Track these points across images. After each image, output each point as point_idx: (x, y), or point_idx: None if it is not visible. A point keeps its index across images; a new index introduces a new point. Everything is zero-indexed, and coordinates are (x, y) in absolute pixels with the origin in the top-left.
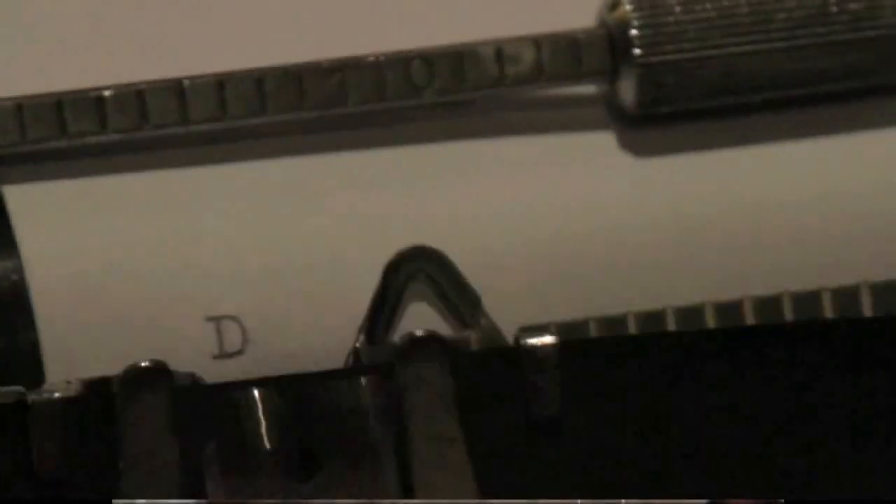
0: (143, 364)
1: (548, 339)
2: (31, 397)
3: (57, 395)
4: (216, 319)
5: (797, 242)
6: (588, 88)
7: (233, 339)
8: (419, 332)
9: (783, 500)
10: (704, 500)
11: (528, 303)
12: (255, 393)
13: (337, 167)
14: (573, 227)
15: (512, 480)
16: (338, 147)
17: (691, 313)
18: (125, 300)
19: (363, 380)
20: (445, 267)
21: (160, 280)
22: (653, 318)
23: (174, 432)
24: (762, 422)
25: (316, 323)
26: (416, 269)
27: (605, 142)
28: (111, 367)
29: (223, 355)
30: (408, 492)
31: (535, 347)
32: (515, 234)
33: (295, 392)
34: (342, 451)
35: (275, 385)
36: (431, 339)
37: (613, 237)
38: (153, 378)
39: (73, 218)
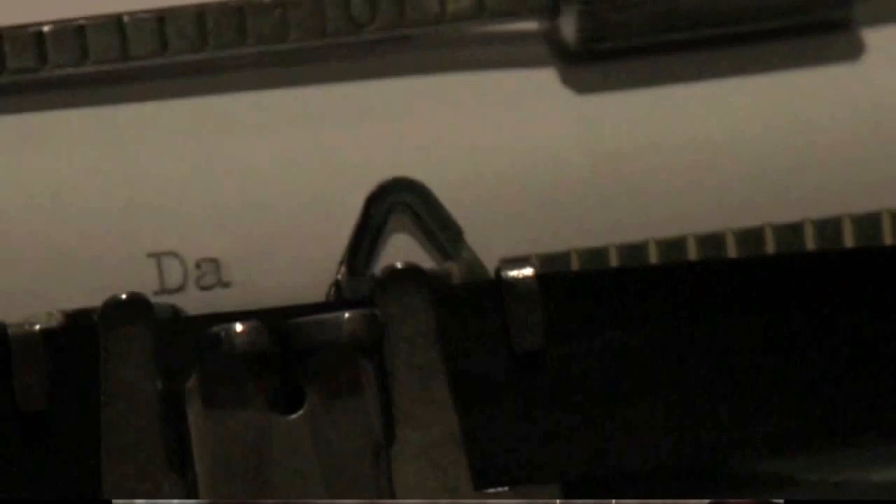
0: (122, 296)
1: (528, 272)
2: (12, 329)
3: (38, 326)
4: (157, 255)
5: (740, 178)
6: (530, 25)
7: (175, 275)
8: (399, 265)
9: (783, 500)
10: (706, 501)
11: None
12: (238, 326)
13: (277, 103)
14: (513, 162)
15: (493, 413)
16: (278, 83)
17: (674, 245)
18: (67, 236)
19: (346, 313)
20: (427, 199)
21: (103, 217)
22: (636, 251)
23: (155, 364)
24: (742, 354)
25: (295, 257)
26: (398, 201)
27: (546, 78)
28: (52, 303)
29: (164, 291)
30: (389, 426)
31: (516, 280)
32: (456, 170)
33: (277, 325)
34: (325, 384)
35: (257, 318)
36: (412, 271)
37: (553, 172)
38: (134, 309)
39: (14, 154)
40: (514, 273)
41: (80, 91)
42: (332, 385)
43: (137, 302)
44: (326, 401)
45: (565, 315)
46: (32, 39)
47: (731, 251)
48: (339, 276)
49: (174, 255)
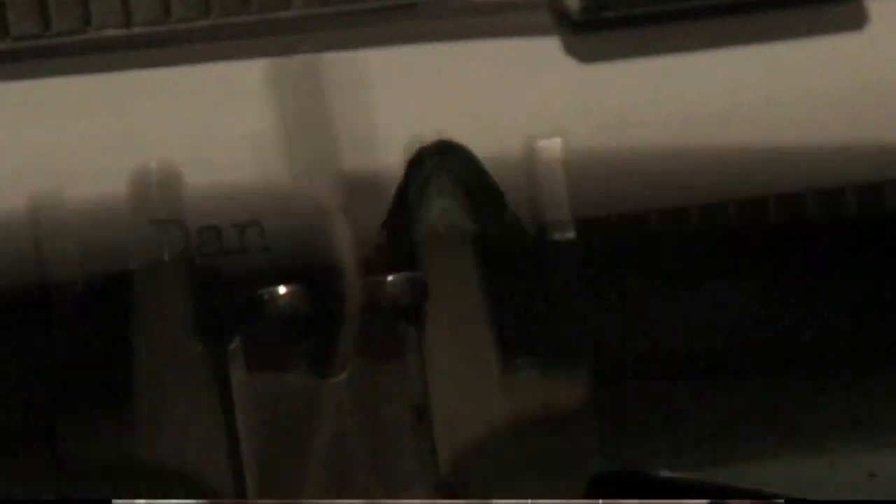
0: (165, 257)
1: (556, 143)
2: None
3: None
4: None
5: (743, 148)
6: None
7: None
8: (428, 141)
9: (783, 500)
10: (705, 501)
11: None
12: (281, 289)
13: (281, 70)
14: (516, 132)
15: (523, 295)
16: (280, 52)
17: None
18: (70, 203)
19: (389, 277)
20: (468, 161)
21: (106, 183)
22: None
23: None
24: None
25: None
26: (439, 164)
27: (549, 47)
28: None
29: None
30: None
31: (543, 151)
32: (458, 138)
33: (319, 288)
34: (367, 348)
35: (300, 281)
36: (442, 145)
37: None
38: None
39: (16, 120)
40: (542, 145)
41: (84, 57)
42: (375, 348)
43: (179, 262)
44: (368, 364)
45: (594, 192)
46: (36, 5)
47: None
48: (381, 240)
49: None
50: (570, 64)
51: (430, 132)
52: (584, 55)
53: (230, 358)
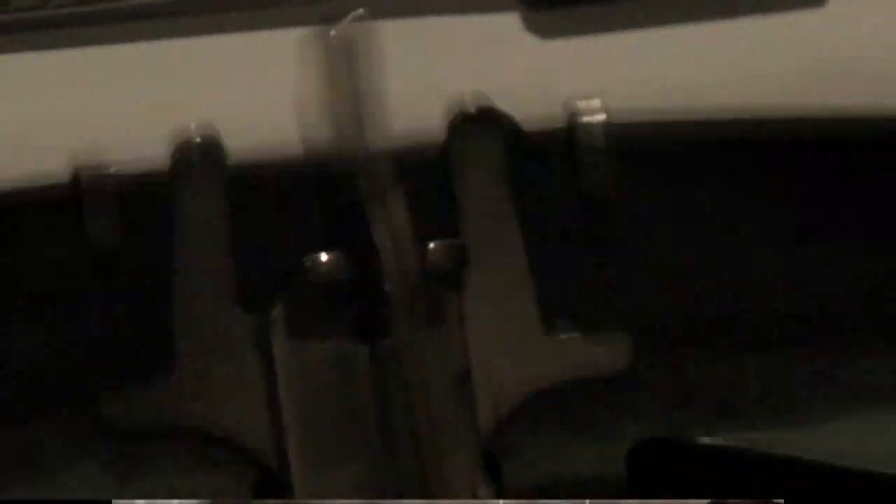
0: (196, 139)
1: (601, 118)
2: (84, 173)
3: (112, 169)
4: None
5: (706, 125)
6: None
7: None
8: (472, 108)
9: (783, 500)
10: (705, 500)
11: None
12: (322, 256)
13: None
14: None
15: (566, 261)
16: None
17: None
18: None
19: (430, 244)
20: (510, 126)
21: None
22: None
23: (228, 202)
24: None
25: None
26: (482, 129)
27: (508, 23)
28: None
29: None
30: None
31: (588, 126)
32: (419, 115)
33: (361, 255)
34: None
35: (341, 248)
36: (485, 113)
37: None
38: (207, 151)
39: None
40: (586, 119)
41: (82, 30)
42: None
43: (210, 146)
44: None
45: (638, 165)
46: None
47: None
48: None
49: None
50: (529, 40)
51: (386, 110)
52: (545, 32)
53: (271, 325)
